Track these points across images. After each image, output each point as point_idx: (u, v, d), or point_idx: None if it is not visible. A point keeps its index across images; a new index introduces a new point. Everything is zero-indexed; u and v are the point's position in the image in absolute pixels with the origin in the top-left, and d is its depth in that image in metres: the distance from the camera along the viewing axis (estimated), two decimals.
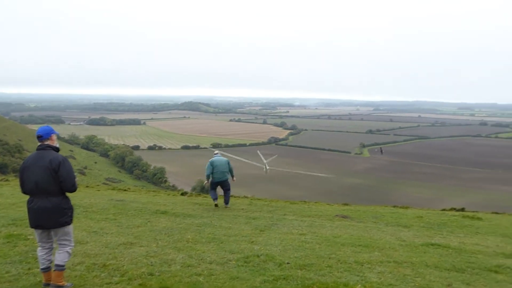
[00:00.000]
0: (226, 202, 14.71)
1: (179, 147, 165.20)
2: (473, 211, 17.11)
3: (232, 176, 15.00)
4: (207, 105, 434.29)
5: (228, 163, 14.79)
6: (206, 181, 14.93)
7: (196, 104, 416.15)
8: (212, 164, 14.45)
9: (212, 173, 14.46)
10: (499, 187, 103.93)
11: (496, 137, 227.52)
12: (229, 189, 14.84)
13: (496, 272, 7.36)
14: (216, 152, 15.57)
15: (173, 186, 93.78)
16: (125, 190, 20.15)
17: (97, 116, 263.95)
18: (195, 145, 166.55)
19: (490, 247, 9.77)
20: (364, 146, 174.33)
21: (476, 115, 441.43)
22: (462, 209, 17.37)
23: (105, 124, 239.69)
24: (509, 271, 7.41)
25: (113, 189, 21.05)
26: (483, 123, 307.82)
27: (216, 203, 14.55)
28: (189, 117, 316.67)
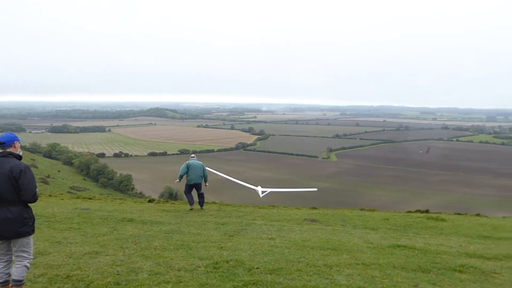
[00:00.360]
0: (201, 204, 15.33)
1: (145, 154, 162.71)
2: (437, 213, 17.57)
3: (205, 181, 15.56)
4: (174, 111, 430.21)
5: (203, 168, 15.36)
6: (177, 180, 15.37)
7: (162, 110, 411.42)
8: (188, 167, 15.03)
9: (187, 175, 15.04)
10: (460, 189, 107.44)
11: (457, 140, 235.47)
12: (203, 192, 15.52)
13: (460, 271, 7.55)
14: (192, 155, 16.04)
15: (140, 193, 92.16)
16: (90, 198, 19.64)
17: (60, 124, 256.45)
18: (162, 151, 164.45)
19: (454, 247, 10.04)
20: (331, 150, 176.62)
21: (438, 119, 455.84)
22: (427, 211, 17.79)
23: (69, 132, 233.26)
24: (472, 271, 7.62)
25: (78, 197, 20.47)
26: (445, 127, 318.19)
27: (192, 207, 15.07)
28: (155, 124, 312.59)
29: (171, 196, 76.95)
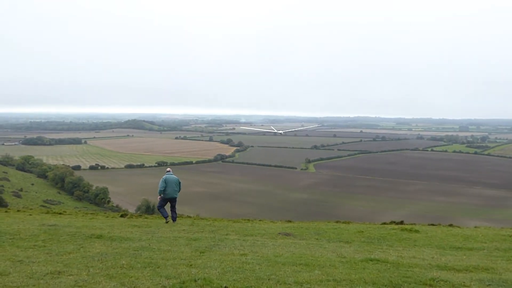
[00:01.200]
0: (174, 218, 15.50)
1: (122, 166, 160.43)
2: (411, 224, 17.66)
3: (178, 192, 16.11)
4: (152, 123, 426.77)
5: (179, 182, 16.03)
6: (159, 196, 15.65)
7: (140, 122, 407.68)
8: (165, 181, 15.44)
9: (164, 189, 15.43)
10: (435, 197, 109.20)
11: (432, 150, 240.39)
12: (175, 207, 15.89)
13: (430, 285, 7.49)
14: (168, 169, 16.30)
15: (117, 206, 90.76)
16: (60, 213, 19.08)
17: (34, 136, 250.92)
18: (139, 164, 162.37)
19: (426, 259, 10.02)
20: (309, 161, 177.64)
21: (413, 129, 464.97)
22: (401, 222, 17.89)
23: (43, 144, 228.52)
24: (443, 284, 7.57)
25: (47, 212, 19.86)
26: (420, 137, 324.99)
27: (168, 220, 15.31)
28: (133, 136, 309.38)
29: (148, 209, 75.88)
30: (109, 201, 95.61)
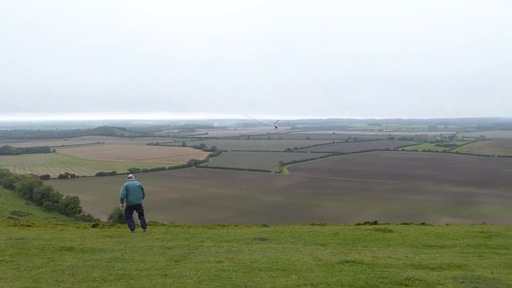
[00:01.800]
0: (144, 226, 15.14)
1: (93, 174, 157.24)
2: (385, 224, 17.89)
3: (143, 197, 15.60)
4: (123, 129, 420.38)
5: (142, 188, 15.38)
6: (121, 205, 15.25)
7: (111, 129, 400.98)
8: (126, 188, 14.93)
9: (127, 197, 14.99)
10: (407, 196, 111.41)
11: (403, 150, 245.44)
12: (143, 213, 15.40)
13: (406, 285, 7.56)
14: (130, 175, 15.78)
15: (88, 215, 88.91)
16: (28, 225, 18.44)
17: (0, 145, 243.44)
18: (111, 171, 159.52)
19: (401, 259, 10.13)
20: (283, 164, 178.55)
21: (384, 130, 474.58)
22: (375, 222, 18.09)
23: (10, 153, 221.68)
24: (418, 283, 7.65)
25: (15, 225, 19.17)
26: (391, 138, 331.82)
27: (134, 231, 14.91)
28: (103, 143, 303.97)
29: (121, 217, 74.52)
30: (80, 211, 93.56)
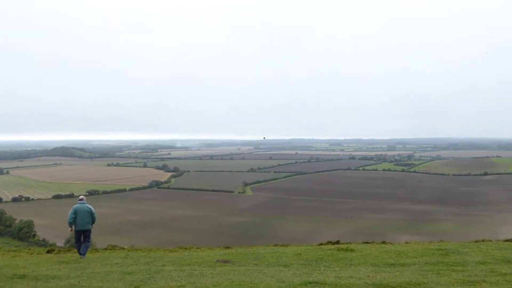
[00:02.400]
0: (83, 252, 14.35)
1: (50, 196, 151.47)
2: (347, 243, 18.07)
3: (94, 222, 14.89)
4: (82, 150, 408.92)
5: (91, 212, 14.64)
6: (69, 229, 14.72)
7: (69, 150, 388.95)
8: (75, 212, 14.33)
9: (74, 221, 14.38)
10: (368, 215, 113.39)
11: (363, 169, 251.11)
12: (89, 240, 14.74)
13: None
14: (81, 197, 15.12)
15: (43, 240, 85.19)
16: None
17: None
18: (68, 193, 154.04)
19: (362, 278, 10.23)
20: (246, 184, 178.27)
21: (345, 150, 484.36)
22: (337, 242, 18.25)
23: None
24: None
25: None
26: (352, 157, 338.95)
27: (83, 257, 14.20)
28: (61, 164, 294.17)
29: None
30: (34, 235, 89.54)
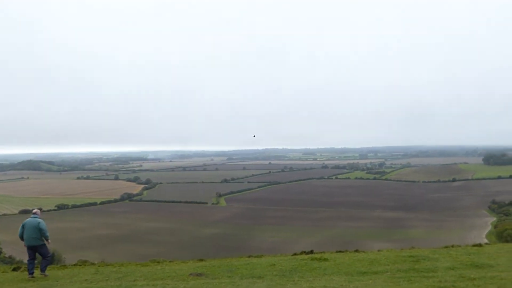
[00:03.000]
0: (42, 269, 13.63)
1: (16, 212, 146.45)
2: (321, 252, 18.13)
3: (46, 239, 13.92)
4: (50, 163, 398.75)
5: (40, 227, 13.62)
6: (24, 244, 13.86)
7: (36, 163, 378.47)
8: (23, 226, 13.62)
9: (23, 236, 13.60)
10: (342, 223, 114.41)
11: (336, 178, 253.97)
12: (48, 256, 13.83)
13: None
14: (34, 211, 14.34)
15: (9, 257, 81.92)
16: None
17: None
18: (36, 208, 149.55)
19: (336, 287, 10.25)
20: (220, 195, 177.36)
21: (318, 159, 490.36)
22: (311, 251, 18.30)
23: None
24: None
25: None
26: (325, 166, 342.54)
27: (30, 276, 13.36)
28: (28, 178, 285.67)
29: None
30: (0, 252, 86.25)
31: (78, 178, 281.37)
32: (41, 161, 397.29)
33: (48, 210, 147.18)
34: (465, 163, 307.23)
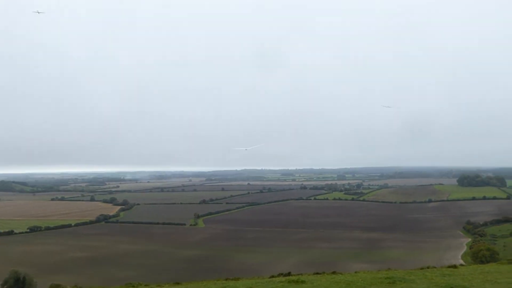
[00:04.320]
0: None
1: None
2: (298, 274, 18.10)
3: None
4: (23, 184, 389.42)
5: None
6: None
7: (8, 184, 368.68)
8: None
9: None
10: (320, 244, 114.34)
11: (315, 198, 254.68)
12: None
13: None
14: None
15: None
16: None
17: None
18: (7, 230, 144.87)
19: None
20: (198, 216, 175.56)
21: (297, 180, 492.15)
22: (289, 274, 18.27)
23: None
24: None
25: None
26: (303, 187, 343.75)
27: None
28: (0, 199, 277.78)
29: (17, 281, 67.16)
30: None
31: (53, 199, 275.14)
32: (13, 182, 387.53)
33: (20, 233, 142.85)
34: (440, 184, 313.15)
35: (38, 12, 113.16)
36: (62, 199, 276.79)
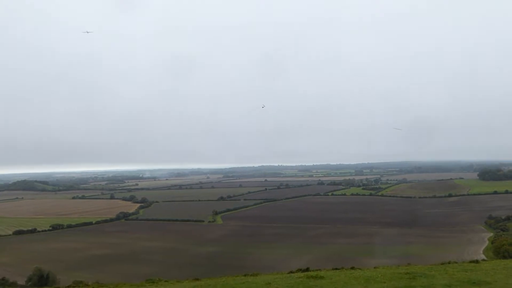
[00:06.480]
0: None
1: (10, 232, 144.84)
2: (317, 270, 18.05)
3: None
4: (45, 183, 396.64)
5: None
6: None
7: (31, 183, 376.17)
8: None
9: None
10: (338, 240, 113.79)
11: (332, 194, 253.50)
12: None
13: None
14: None
15: (3, 279, 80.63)
16: None
17: None
18: (31, 228, 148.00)
19: None
20: (216, 213, 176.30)
21: (314, 175, 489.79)
22: (307, 269, 18.21)
23: None
24: None
25: None
26: (321, 183, 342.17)
27: None
28: (22, 198, 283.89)
29: (41, 279, 68.64)
30: None
31: (73, 197, 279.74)
32: (36, 181, 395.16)
33: (42, 231, 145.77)
34: (461, 178, 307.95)
35: (88, 32, 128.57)
36: (83, 197, 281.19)
